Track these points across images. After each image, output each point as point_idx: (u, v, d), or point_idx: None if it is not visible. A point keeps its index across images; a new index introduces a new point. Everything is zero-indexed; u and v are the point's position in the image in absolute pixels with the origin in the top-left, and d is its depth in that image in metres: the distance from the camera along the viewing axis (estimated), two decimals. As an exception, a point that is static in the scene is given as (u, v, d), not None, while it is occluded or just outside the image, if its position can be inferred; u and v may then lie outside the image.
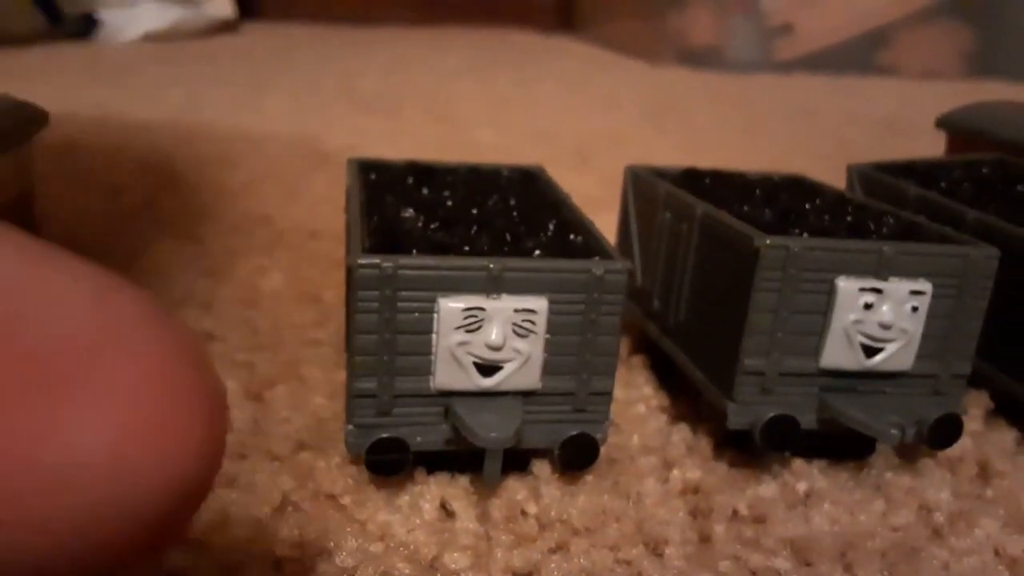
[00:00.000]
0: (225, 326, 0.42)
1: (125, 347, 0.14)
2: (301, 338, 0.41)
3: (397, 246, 0.29)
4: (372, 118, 0.97)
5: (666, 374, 0.39)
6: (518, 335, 0.28)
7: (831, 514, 0.30)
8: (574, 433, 0.30)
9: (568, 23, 2.02)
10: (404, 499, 0.29)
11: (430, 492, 0.29)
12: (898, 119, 1.11)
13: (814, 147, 0.93)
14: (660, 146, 0.92)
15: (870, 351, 0.31)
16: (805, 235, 0.32)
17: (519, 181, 0.39)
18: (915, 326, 0.31)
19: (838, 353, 0.31)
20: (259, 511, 0.28)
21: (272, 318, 0.43)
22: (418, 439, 0.29)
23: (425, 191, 0.36)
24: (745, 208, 0.35)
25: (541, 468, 0.31)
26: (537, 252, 0.30)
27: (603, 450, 0.31)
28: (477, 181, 0.38)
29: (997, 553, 0.29)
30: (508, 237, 0.31)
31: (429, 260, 0.28)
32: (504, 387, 0.29)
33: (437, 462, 0.30)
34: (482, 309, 0.28)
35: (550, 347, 0.29)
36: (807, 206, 0.36)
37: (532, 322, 0.28)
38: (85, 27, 1.46)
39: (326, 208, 0.61)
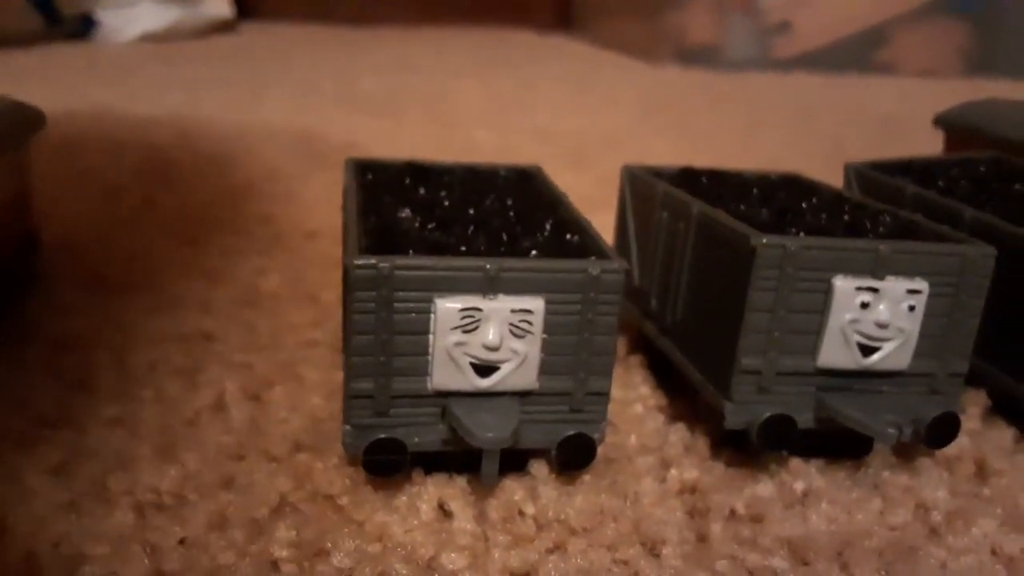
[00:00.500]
0: (223, 326, 0.42)
1: None
2: (299, 339, 0.41)
3: (394, 246, 0.29)
4: (370, 118, 0.97)
5: (664, 374, 0.39)
6: (515, 335, 0.28)
7: (828, 513, 0.30)
8: (571, 433, 0.30)
9: (566, 23, 2.02)
10: (402, 500, 0.29)
11: (427, 493, 0.29)
12: (896, 117, 1.11)
13: (812, 145, 0.93)
14: (658, 145, 0.92)
15: (867, 350, 0.31)
16: (802, 234, 0.32)
17: (516, 181, 0.39)
18: (912, 325, 0.31)
19: (835, 352, 0.31)
20: (257, 512, 0.28)
21: (270, 318, 0.43)
22: (415, 440, 0.29)
23: (422, 191, 0.36)
24: (742, 207, 0.35)
25: (539, 468, 0.31)
26: (534, 252, 0.30)
27: (601, 450, 0.31)
28: (474, 181, 0.38)
29: (994, 552, 0.29)
30: (505, 237, 0.31)
31: (426, 260, 0.28)
32: (501, 387, 0.29)
33: (435, 463, 0.30)
34: (479, 309, 0.28)
35: (547, 347, 0.29)
36: (804, 205, 0.36)
37: (529, 322, 0.28)
38: (83, 27, 1.46)
39: (324, 208, 0.61)
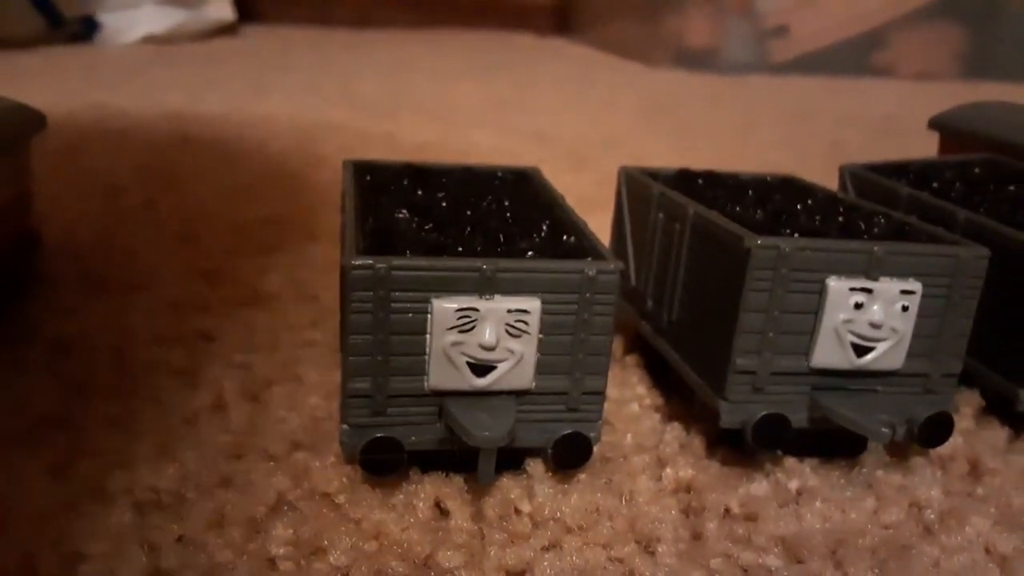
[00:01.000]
0: (222, 327, 0.42)
1: None
2: (298, 339, 0.42)
3: (391, 247, 0.29)
4: (370, 120, 0.97)
5: (660, 373, 0.39)
6: (511, 335, 0.29)
7: (822, 512, 0.31)
8: (567, 432, 0.30)
9: (565, 25, 2.02)
10: (399, 498, 0.30)
11: (424, 491, 0.30)
12: (893, 120, 1.11)
13: (809, 147, 0.93)
14: (656, 147, 0.92)
15: (861, 350, 0.31)
16: (796, 235, 0.32)
17: (514, 182, 0.39)
18: (905, 325, 0.31)
19: (829, 352, 0.31)
20: (254, 511, 0.29)
21: (269, 319, 0.44)
22: (412, 439, 0.29)
23: (420, 192, 0.36)
24: (737, 209, 0.35)
25: (535, 467, 0.31)
26: (530, 253, 0.30)
27: (597, 449, 0.31)
28: (472, 182, 0.38)
29: (988, 551, 0.30)
30: (501, 238, 0.31)
31: (422, 261, 0.28)
32: (498, 387, 0.29)
33: (432, 462, 0.31)
34: (475, 310, 0.28)
35: (543, 347, 0.29)
36: (799, 207, 0.37)
37: (525, 322, 0.29)
38: (85, 30, 1.46)
39: (324, 209, 0.61)
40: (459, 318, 0.28)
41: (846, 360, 0.31)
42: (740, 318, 0.30)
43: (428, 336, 0.28)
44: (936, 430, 0.32)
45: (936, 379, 0.32)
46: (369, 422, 0.29)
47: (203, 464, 0.31)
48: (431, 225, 0.32)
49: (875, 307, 0.30)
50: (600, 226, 0.43)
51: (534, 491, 0.30)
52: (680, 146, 0.93)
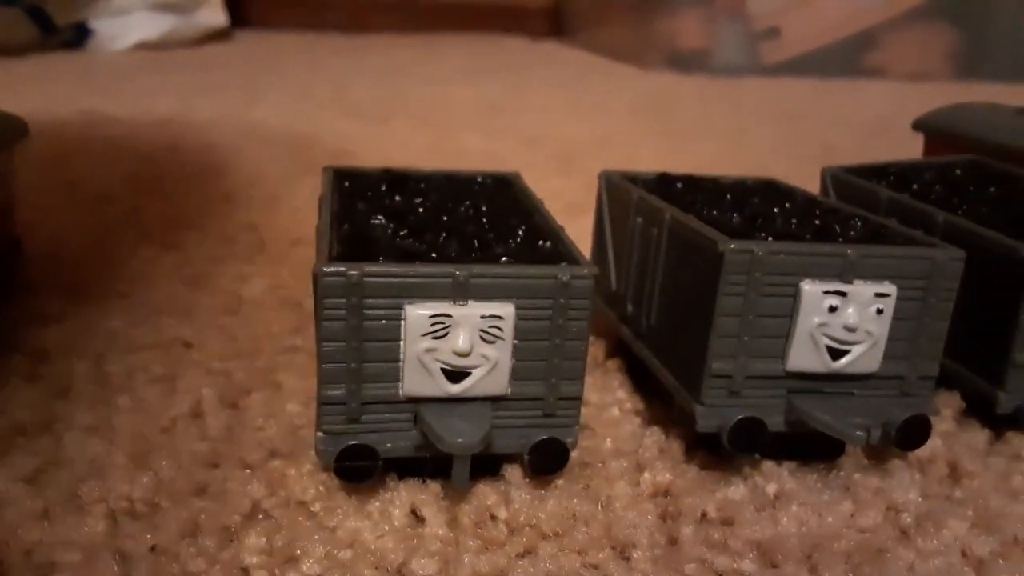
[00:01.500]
0: (203, 334, 0.42)
1: None
2: (279, 345, 0.42)
3: (366, 253, 0.29)
4: (362, 124, 0.97)
5: (641, 378, 0.39)
6: (485, 341, 0.28)
7: (799, 516, 0.30)
8: (543, 438, 0.30)
9: (558, 29, 2.02)
10: (374, 505, 0.30)
11: (400, 498, 0.30)
12: (885, 121, 1.11)
13: (800, 149, 0.93)
14: (647, 150, 0.92)
15: (836, 353, 0.31)
16: (770, 239, 0.32)
17: (494, 187, 0.39)
18: (880, 328, 0.31)
19: (804, 356, 0.31)
20: (229, 519, 0.29)
21: (251, 325, 0.44)
22: (388, 445, 0.29)
23: (398, 198, 0.36)
24: (715, 213, 0.35)
25: (513, 473, 0.31)
26: (504, 259, 0.30)
27: (575, 454, 0.31)
28: (451, 188, 0.38)
29: (964, 554, 0.30)
30: (477, 244, 0.31)
31: (395, 268, 0.28)
32: (472, 393, 0.29)
33: (408, 468, 0.31)
34: (449, 316, 0.28)
35: (518, 353, 0.29)
36: (776, 210, 0.36)
37: (499, 328, 0.28)
38: (78, 36, 1.46)
39: (310, 215, 0.61)
40: (432, 324, 0.28)
41: (821, 363, 0.31)
42: (715, 322, 0.30)
43: (402, 343, 0.28)
44: (913, 433, 0.32)
45: (913, 382, 0.32)
46: (344, 429, 0.29)
47: (178, 472, 0.31)
48: (406, 231, 0.32)
49: (849, 310, 0.30)
50: (587, 229, 0.44)
51: (511, 497, 0.30)
52: (672, 148, 0.93)
